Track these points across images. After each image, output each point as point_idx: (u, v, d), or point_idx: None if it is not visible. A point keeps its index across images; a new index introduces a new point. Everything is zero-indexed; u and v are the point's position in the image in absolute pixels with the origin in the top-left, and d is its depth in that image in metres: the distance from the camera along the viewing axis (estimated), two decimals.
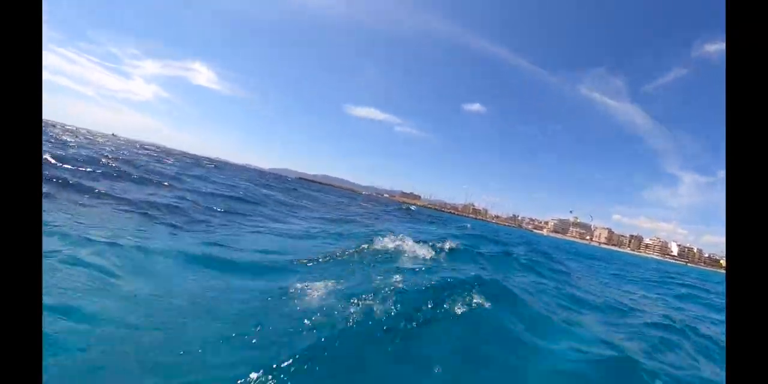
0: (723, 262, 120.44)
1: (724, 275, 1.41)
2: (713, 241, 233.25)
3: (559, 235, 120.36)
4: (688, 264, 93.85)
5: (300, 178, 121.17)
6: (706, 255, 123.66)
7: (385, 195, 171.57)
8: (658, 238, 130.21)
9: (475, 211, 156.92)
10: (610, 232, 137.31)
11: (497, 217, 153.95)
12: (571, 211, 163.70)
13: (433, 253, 5.17)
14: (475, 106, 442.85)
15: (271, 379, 1.92)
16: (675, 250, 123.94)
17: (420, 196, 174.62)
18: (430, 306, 2.89)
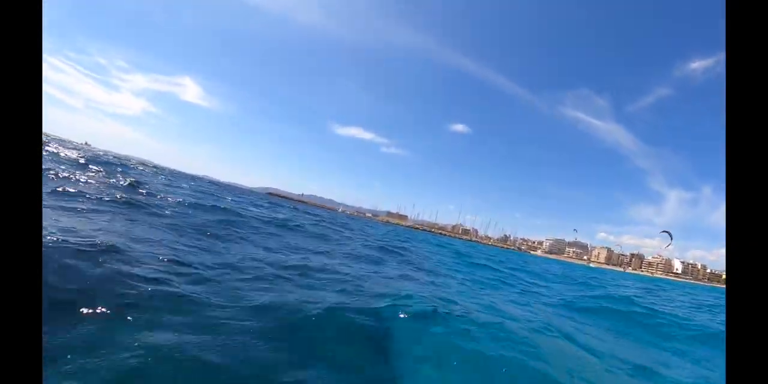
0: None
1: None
2: (699, 255, 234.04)
3: (554, 256, 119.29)
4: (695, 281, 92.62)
5: (269, 194, 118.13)
6: (709, 270, 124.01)
7: (368, 215, 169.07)
8: (660, 256, 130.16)
9: (465, 231, 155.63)
10: (609, 251, 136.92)
11: (488, 237, 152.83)
12: (575, 230, 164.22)
13: None
14: (460, 127, 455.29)
15: None
16: (679, 268, 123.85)
17: (407, 216, 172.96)
18: None
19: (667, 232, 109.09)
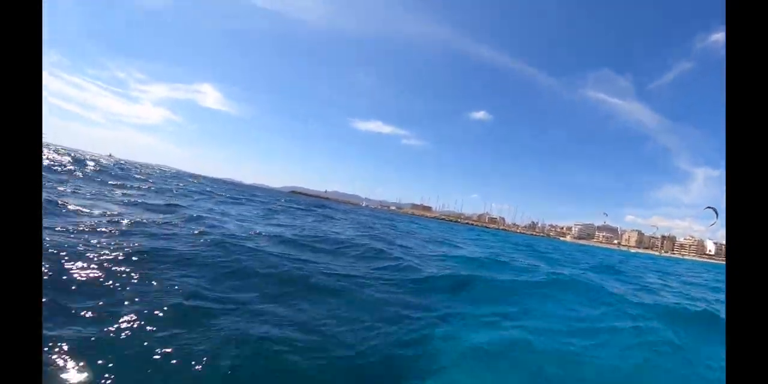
0: None
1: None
2: None
3: (584, 241, 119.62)
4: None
5: (292, 192, 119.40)
6: None
7: (392, 207, 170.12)
8: (692, 237, 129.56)
9: (492, 220, 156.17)
10: (640, 234, 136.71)
11: (516, 225, 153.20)
12: (605, 214, 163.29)
13: None
14: (480, 114, 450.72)
15: None
16: (712, 249, 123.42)
17: (432, 207, 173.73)
18: None
19: (712, 208, 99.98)
